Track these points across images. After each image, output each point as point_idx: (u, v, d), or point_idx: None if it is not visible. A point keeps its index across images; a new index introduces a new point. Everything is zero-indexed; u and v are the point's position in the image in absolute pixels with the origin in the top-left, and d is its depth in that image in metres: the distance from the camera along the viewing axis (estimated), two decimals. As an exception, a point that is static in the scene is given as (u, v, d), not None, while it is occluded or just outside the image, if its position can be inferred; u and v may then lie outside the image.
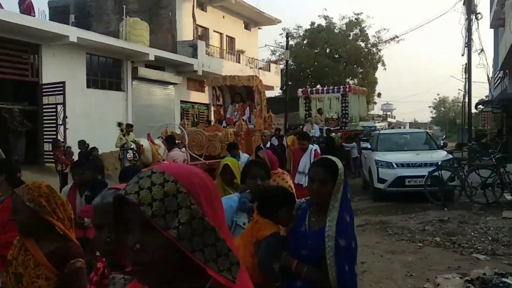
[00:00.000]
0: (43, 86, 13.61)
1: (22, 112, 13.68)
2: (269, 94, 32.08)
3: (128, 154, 8.60)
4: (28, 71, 13.76)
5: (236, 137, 10.74)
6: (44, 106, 13.52)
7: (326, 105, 19.31)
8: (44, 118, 13.43)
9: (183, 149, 9.79)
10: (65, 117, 12.73)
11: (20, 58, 13.66)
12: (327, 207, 2.37)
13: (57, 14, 21.93)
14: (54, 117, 13.09)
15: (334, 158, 2.52)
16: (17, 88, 14.13)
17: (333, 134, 16.62)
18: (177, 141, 9.73)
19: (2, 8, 13.22)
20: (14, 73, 13.33)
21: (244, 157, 7.86)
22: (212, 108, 13.58)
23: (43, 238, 2.33)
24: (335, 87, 19.20)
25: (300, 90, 20.08)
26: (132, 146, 8.66)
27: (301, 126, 16.79)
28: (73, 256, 2.28)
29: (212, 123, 13.00)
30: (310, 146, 7.67)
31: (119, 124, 10.51)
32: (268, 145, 9.04)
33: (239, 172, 3.32)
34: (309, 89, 20.34)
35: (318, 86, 20.74)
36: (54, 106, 13.15)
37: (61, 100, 12.99)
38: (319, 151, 8.01)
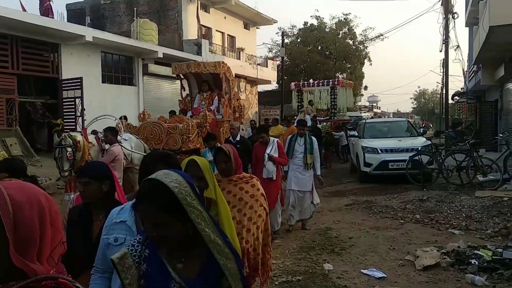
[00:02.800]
0: (63, 82, 13.54)
1: (44, 105, 13.64)
2: (266, 87, 32.04)
3: (68, 152, 6.40)
4: (49, 68, 13.68)
5: (201, 129, 8.88)
6: (63, 100, 13.46)
7: (316, 97, 19.06)
8: (64, 110, 13.38)
9: (140, 141, 7.96)
10: (82, 109, 12.67)
11: (42, 56, 13.57)
12: (187, 244, 1.55)
13: (74, 16, 21.74)
14: (73, 110, 13.03)
15: (168, 177, 1.49)
16: (39, 83, 14.05)
17: (324, 123, 16.53)
18: (136, 136, 8.02)
19: (25, 11, 13.10)
20: (36, 69, 13.25)
21: None
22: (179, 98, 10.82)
23: None
24: (325, 81, 19.01)
25: (293, 83, 19.84)
26: (70, 143, 6.47)
27: (295, 117, 16.54)
28: None
29: (177, 114, 10.76)
30: (272, 138, 6.67)
31: (52, 122, 8.26)
32: (238, 138, 7.61)
33: (210, 175, 2.43)
34: (301, 83, 20.09)
35: (311, 80, 20.45)
36: (73, 99, 13.09)
37: (79, 94, 12.92)
38: (282, 143, 7.01)
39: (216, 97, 10.06)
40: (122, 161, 6.71)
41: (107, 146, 6.88)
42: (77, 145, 6.57)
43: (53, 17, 14.55)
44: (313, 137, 7.14)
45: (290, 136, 7.44)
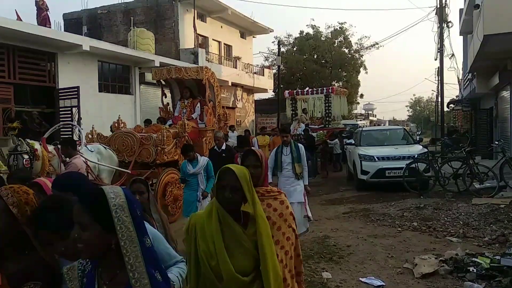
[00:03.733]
0: (59, 91, 13.52)
1: (40, 114, 13.60)
2: (263, 96, 32.11)
3: (24, 159, 5.82)
4: (45, 77, 13.66)
5: (180, 139, 8.09)
6: (60, 109, 13.43)
7: (310, 105, 18.81)
8: (61, 119, 13.35)
9: (111, 151, 7.30)
10: (79, 118, 12.64)
11: (39, 66, 13.56)
12: (113, 264, 1.53)
13: (71, 25, 21.78)
14: (70, 119, 13.01)
15: (110, 189, 1.53)
16: (36, 92, 14.03)
17: (320, 131, 16.36)
18: (105, 146, 7.39)
19: (21, 20, 13.11)
20: (33, 79, 13.24)
21: (203, 160, 6.46)
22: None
23: (9, 257, 1.80)
24: (319, 89, 18.88)
25: (286, 91, 19.67)
26: (27, 150, 5.90)
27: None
28: (34, 278, 1.73)
29: (153, 123, 9.99)
30: (199, 156, 6.47)
31: (9, 124, 7.58)
32: (223, 147, 7.33)
33: (249, 186, 2.12)
34: (295, 91, 19.95)
35: (308, 88, 20.36)
36: (70, 108, 13.06)
37: (76, 103, 12.90)
38: (238, 156, 6.45)
39: (199, 104, 9.36)
40: (86, 175, 6.03)
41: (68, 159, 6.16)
42: (34, 153, 6.03)
43: (50, 27, 14.57)
44: (299, 144, 6.64)
45: (275, 148, 6.83)
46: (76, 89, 12.94)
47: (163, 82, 10.14)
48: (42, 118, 13.50)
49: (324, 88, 18.38)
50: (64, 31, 18.37)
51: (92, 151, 6.93)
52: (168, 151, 7.99)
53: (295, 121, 16.22)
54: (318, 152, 15.10)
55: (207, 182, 6.40)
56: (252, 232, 2.10)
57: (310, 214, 6.58)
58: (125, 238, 1.46)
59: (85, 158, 6.42)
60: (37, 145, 6.26)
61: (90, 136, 8.03)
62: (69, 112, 13.06)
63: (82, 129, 8.02)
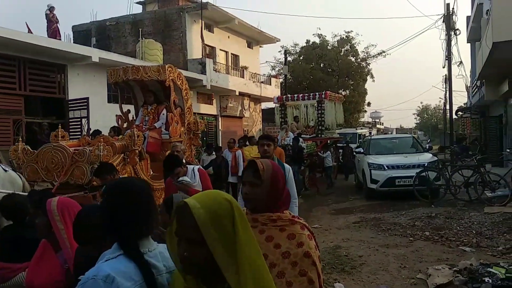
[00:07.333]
0: (69, 102, 13.64)
1: (50, 126, 13.72)
2: (270, 105, 32.13)
3: None
4: (55, 89, 13.79)
5: (130, 155, 6.27)
6: (70, 120, 13.53)
7: (302, 112, 16.87)
8: (70, 130, 13.44)
9: (11, 174, 5.09)
10: (89, 129, 12.71)
11: (48, 77, 13.70)
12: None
13: (80, 37, 22.02)
14: (79, 129, 13.09)
15: None
16: (46, 104, 14.16)
17: (310, 142, 14.40)
18: (5, 168, 5.10)
19: (31, 33, 13.30)
20: (43, 90, 13.37)
21: (195, 171, 4.82)
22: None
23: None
24: (311, 94, 16.73)
25: (275, 97, 17.88)
26: None
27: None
28: None
29: (102, 134, 7.73)
30: (189, 166, 4.78)
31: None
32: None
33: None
34: (284, 96, 17.93)
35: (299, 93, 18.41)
36: (79, 119, 13.16)
37: (85, 114, 13.00)
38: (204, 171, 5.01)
39: (164, 111, 7.74)
40: None
41: None
42: None
43: (60, 39, 14.76)
44: (286, 166, 4.42)
45: None
46: (85, 100, 13.05)
47: (122, 85, 8.42)
48: (52, 129, 13.62)
49: (317, 94, 16.24)
50: (74, 43, 18.59)
51: None
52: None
53: (282, 130, 14.30)
54: (306, 166, 13.30)
55: None
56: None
57: None
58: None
59: None
60: None
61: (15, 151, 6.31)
62: (79, 122, 13.16)
63: None
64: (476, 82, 21.54)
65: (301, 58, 34.98)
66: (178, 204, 1.32)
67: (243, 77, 23.80)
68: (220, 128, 22.21)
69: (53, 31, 14.55)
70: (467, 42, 24.02)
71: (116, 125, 8.32)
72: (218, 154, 10.56)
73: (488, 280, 4.86)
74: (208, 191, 1.46)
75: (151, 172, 6.72)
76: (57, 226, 2.36)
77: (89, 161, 5.83)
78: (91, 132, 10.32)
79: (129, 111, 8.45)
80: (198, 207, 1.26)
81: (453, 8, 20.57)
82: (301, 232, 1.87)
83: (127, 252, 1.46)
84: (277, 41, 28.44)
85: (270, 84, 27.65)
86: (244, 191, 1.85)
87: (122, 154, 6.22)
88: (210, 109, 21.50)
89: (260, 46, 28.39)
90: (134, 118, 8.34)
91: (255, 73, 25.84)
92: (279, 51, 36.04)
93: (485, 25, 12.96)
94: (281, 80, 29.96)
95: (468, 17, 22.51)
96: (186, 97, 8.11)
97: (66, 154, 5.92)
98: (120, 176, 5.14)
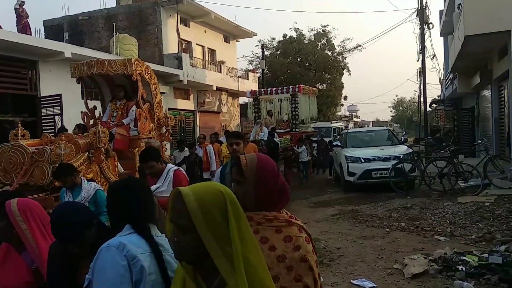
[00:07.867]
0: (41, 99, 13.29)
1: (22, 123, 13.34)
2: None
3: None
4: (27, 85, 13.43)
5: (95, 153, 5.93)
6: (43, 117, 13.21)
7: (276, 107, 16.48)
8: (43, 127, 13.13)
9: None
10: (62, 126, 12.44)
11: (19, 74, 13.32)
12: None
13: (52, 32, 21.48)
14: (53, 127, 12.79)
15: None
16: (16, 101, 13.77)
17: (285, 137, 14.07)
18: None
19: (1, 28, 12.89)
20: (14, 87, 13.00)
21: (90, 188, 4.57)
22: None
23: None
24: (284, 88, 16.33)
25: (248, 91, 17.38)
26: None
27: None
28: None
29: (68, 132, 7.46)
30: (168, 166, 4.29)
31: None
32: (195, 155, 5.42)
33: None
34: (257, 90, 17.53)
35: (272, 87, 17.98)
36: (52, 116, 12.84)
37: (59, 111, 12.70)
38: (184, 172, 4.47)
39: (134, 107, 7.44)
40: None
41: None
42: None
43: (31, 34, 14.35)
44: None
45: (220, 168, 4.78)
46: (58, 97, 12.74)
47: (87, 80, 8.07)
48: (24, 127, 13.26)
49: (290, 87, 15.85)
50: (45, 38, 18.10)
51: None
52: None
53: (257, 125, 13.94)
54: (280, 161, 12.56)
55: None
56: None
57: None
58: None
59: None
60: None
61: None
62: (52, 120, 12.85)
63: None
64: (449, 75, 22.03)
65: (278, 52, 35.02)
66: (174, 191, 1.39)
67: (220, 72, 23.68)
68: (197, 123, 22.07)
69: (23, 26, 14.13)
70: (440, 36, 24.51)
71: (82, 122, 7.99)
72: (191, 151, 10.30)
73: (461, 268, 5.00)
74: (205, 182, 1.54)
75: (122, 170, 6.48)
76: (20, 226, 2.29)
77: (50, 160, 5.54)
78: (57, 129, 9.95)
79: (95, 107, 8.07)
80: (190, 195, 1.32)
81: (426, 2, 20.98)
82: (298, 235, 1.78)
83: (138, 229, 1.69)
84: (254, 35, 28.38)
85: (248, 79, 27.61)
86: (233, 189, 1.72)
87: (87, 153, 5.94)
88: (187, 104, 21.33)
89: (237, 41, 28.28)
90: (101, 114, 7.99)
91: (232, 68, 25.74)
92: (256, 46, 35.98)
93: (457, 19, 13.24)
94: (258, 74, 29.95)
95: (441, 11, 22.94)
96: (155, 92, 7.82)
97: (25, 154, 5.63)
98: (84, 177, 5.17)
